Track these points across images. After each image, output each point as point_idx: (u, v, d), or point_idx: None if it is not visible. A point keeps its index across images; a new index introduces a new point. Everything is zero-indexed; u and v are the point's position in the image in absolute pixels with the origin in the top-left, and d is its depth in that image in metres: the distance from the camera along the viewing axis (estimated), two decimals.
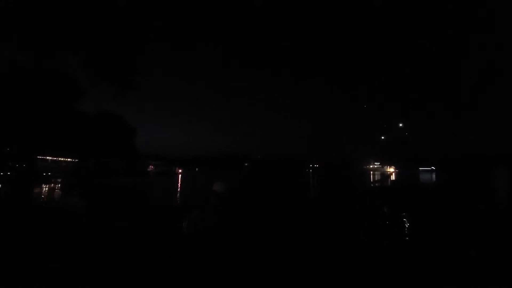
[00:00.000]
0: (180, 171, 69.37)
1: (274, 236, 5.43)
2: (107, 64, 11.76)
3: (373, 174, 58.63)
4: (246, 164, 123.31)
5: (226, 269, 2.60)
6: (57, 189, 18.70)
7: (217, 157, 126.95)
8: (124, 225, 6.44)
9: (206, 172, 73.03)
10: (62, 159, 40.01)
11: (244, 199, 13.70)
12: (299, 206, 12.08)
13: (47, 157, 37.53)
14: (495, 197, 16.47)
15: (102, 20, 10.66)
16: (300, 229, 6.68)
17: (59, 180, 25.91)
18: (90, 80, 12.76)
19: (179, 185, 26.79)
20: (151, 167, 56.00)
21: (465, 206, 12.10)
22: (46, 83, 22.23)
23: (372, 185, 21.12)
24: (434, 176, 51.42)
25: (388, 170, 79.31)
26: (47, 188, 18.76)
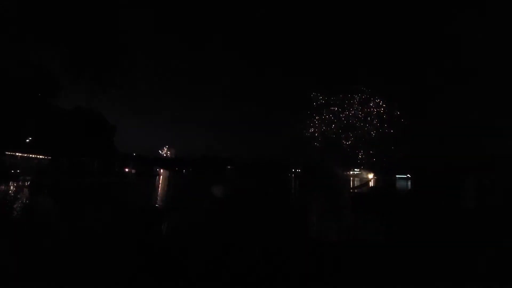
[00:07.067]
0: (161, 171, 67.80)
1: (255, 243, 5.35)
2: (88, 57, 11.27)
3: (353, 180, 60.30)
4: (229, 167, 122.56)
5: (205, 273, 2.50)
6: (25, 187, 17.56)
7: (199, 159, 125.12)
8: (98, 228, 6.12)
9: (189, 174, 71.75)
10: (33, 156, 37.84)
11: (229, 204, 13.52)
12: (280, 214, 12.08)
13: (17, 153, 35.37)
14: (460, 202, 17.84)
15: (87, 11, 10.23)
16: (281, 237, 6.65)
17: (28, 178, 24.40)
18: (68, 73, 12.11)
19: (159, 186, 26.06)
20: (128, 168, 54.27)
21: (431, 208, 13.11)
22: (19, 74, 20.96)
23: (351, 190, 21.67)
24: (409, 183, 53.79)
25: (367, 176, 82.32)
26: (14, 187, 17.58)
